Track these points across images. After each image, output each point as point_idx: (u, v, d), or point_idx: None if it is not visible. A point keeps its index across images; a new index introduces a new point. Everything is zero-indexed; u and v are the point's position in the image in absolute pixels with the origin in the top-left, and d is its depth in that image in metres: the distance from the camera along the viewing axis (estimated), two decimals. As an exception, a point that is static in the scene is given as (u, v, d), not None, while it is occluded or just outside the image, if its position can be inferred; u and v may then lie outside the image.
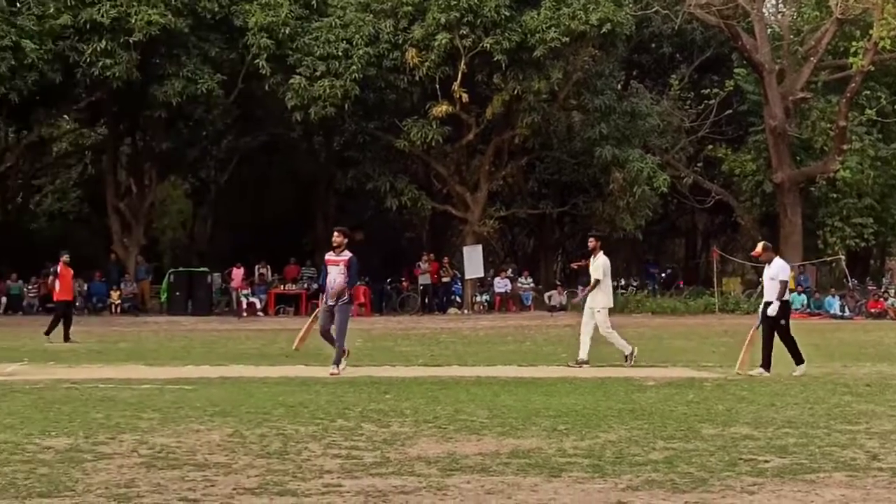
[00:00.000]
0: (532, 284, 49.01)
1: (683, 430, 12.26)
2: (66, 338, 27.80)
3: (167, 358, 22.92)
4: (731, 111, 51.11)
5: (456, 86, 41.98)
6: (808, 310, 44.73)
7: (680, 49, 53.81)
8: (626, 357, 20.74)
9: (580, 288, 47.89)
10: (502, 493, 8.87)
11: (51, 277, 29.63)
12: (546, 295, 47.28)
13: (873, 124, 48.76)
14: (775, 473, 9.77)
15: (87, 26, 39.67)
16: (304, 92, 41.13)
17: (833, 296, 46.27)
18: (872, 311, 45.03)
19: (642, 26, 49.02)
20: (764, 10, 51.35)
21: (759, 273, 24.76)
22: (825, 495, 8.94)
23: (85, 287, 45.77)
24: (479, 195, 46.54)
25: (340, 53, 41.34)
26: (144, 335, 30.04)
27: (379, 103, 46.99)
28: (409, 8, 42.07)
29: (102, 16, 39.20)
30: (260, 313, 43.70)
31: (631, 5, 44.02)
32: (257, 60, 41.64)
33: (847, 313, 44.92)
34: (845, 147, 46.63)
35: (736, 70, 50.67)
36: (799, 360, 19.11)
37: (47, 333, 27.85)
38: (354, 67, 41.10)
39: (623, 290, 48.27)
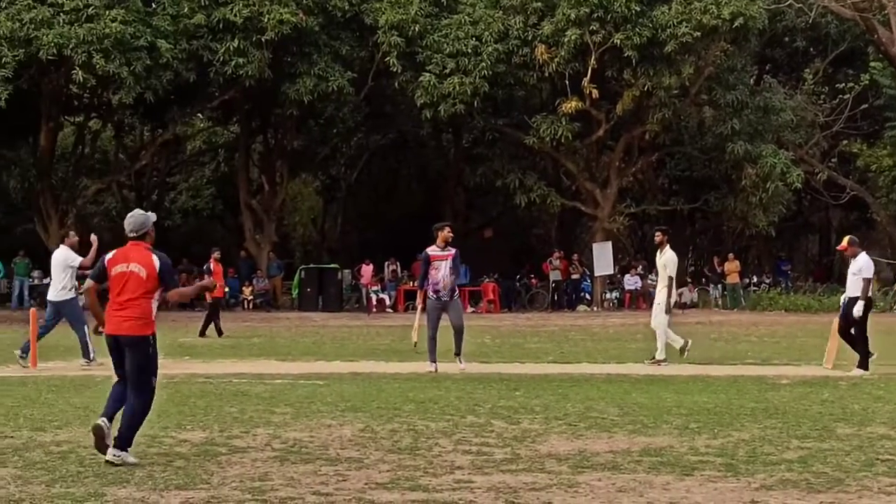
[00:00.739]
0: (662, 281, 48.55)
1: (818, 429, 12.07)
2: (204, 332, 28.15)
3: (299, 353, 23.15)
4: (866, 106, 50.13)
5: (586, 82, 41.77)
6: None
7: (814, 43, 52.93)
8: (655, 359, 20.33)
9: (710, 286, 47.66)
10: (634, 491, 8.81)
11: (204, 276, 29.93)
12: (677, 292, 46.83)
13: None
14: (914, 475, 9.57)
15: (221, 25, 40.21)
16: (433, 89, 41.25)
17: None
18: None
19: (775, 20, 48.28)
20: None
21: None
22: (966, 498, 8.73)
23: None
24: (608, 192, 46.29)
25: (470, 50, 41.38)
26: (276, 331, 30.39)
27: (508, 100, 46.99)
28: (539, 4, 41.95)
29: (235, 15, 39.70)
30: (389, 310, 43.94)
31: (764, -1, 43.45)
32: (387, 58, 41.86)
33: None
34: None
35: (872, 64, 49.71)
36: (864, 365, 18.61)
37: (220, 334, 28.24)
38: (484, 64, 41.11)
39: (755, 288, 47.71)
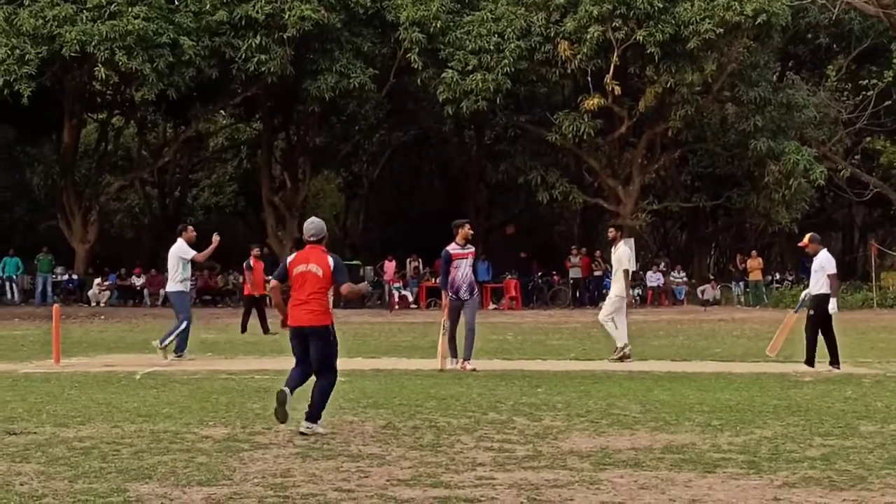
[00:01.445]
0: (685, 278, 48.56)
1: (841, 426, 12.03)
2: (266, 330, 28.17)
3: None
4: (889, 102, 49.82)
5: (608, 78, 41.70)
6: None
7: (837, 39, 52.71)
8: (617, 350, 20.19)
9: (733, 283, 47.55)
10: (656, 489, 8.80)
11: (246, 273, 29.94)
12: (699, 289, 46.81)
13: None
14: (938, 473, 9.53)
15: (243, 22, 40.30)
16: (455, 86, 41.23)
17: None
18: None
19: (798, 16, 48.12)
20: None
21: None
22: None
23: (240, 280, 46.57)
24: (631, 188, 46.22)
25: (492, 47, 41.35)
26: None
27: (530, 96, 47.02)
28: (561, 1, 41.88)
29: (257, 12, 39.76)
30: (413, 306, 43.97)
31: (787, -5, 43.29)
32: (409, 55, 41.86)
33: None
34: None
35: (895, 61, 49.49)
36: (811, 362, 18.55)
37: (243, 331, 28.31)
38: (506, 61, 41.08)
39: (778, 285, 47.58)
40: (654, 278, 47.01)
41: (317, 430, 11.53)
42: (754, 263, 45.95)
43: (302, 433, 11.44)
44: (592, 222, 55.84)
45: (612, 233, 21.16)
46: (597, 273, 46.24)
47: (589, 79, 42.26)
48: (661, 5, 40.62)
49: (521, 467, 9.66)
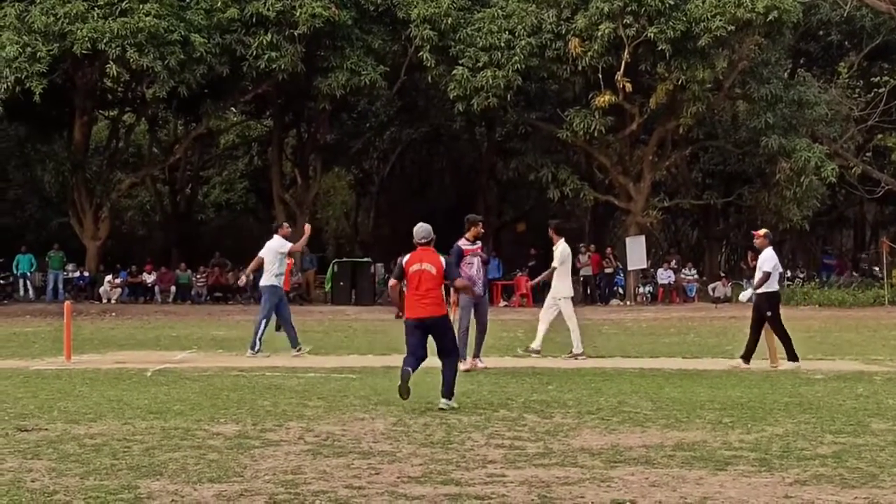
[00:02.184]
0: (696, 276, 48.50)
1: (852, 424, 12.02)
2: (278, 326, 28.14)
3: (331, 347, 23.20)
4: (901, 99, 49.85)
5: (619, 75, 41.63)
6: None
7: (849, 36, 52.57)
8: (575, 355, 20.03)
9: (745, 281, 47.47)
10: (667, 486, 8.79)
11: None
12: (710, 286, 46.74)
13: None
14: (950, 470, 9.51)
15: (254, 20, 40.30)
16: (466, 83, 41.20)
17: None
18: None
19: (810, 13, 48.00)
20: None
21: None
22: None
23: (251, 277, 46.59)
24: (642, 185, 46.17)
25: (503, 44, 41.31)
26: (309, 325, 30.40)
27: (541, 93, 46.98)
28: (572, -3, 41.93)
29: (268, 9, 39.76)
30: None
31: (798, -8, 43.19)
32: (420, 52, 41.84)
33: None
34: None
35: (906, 57, 49.49)
36: (793, 356, 18.62)
37: (277, 329, 28.31)
38: (517, 58, 41.03)
39: (789, 282, 47.51)
40: (665, 275, 46.95)
41: (452, 405, 13.29)
42: (766, 261, 45.80)
43: (441, 409, 13.11)
44: (603, 219, 55.82)
45: (551, 231, 20.85)
46: (608, 270, 46.21)
47: (600, 76, 42.18)
48: (672, 2, 40.53)
49: (531, 464, 9.66)
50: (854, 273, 52.16)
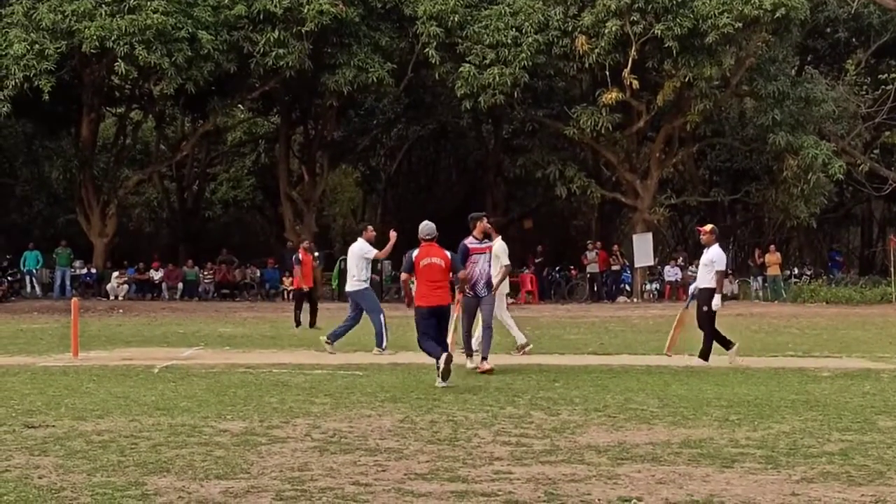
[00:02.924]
0: (702, 273, 48.35)
1: (859, 421, 12.01)
2: (313, 323, 28.17)
3: (338, 344, 23.19)
4: (909, 96, 49.78)
5: (626, 72, 41.61)
6: None
7: (856, 33, 52.50)
8: (520, 347, 19.99)
9: (751, 278, 47.43)
10: (674, 483, 8.79)
11: (294, 266, 29.87)
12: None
13: None
14: (957, 468, 9.50)
15: (261, 16, 40.32)
16: (473, 80, 41.20)
17: None
18: None
19: (817, 10, 47.97)
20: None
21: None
22: None
23: (258, 273, 46.72)
24: (649, 183, 46.15)
25: (510, 41, 41.30)
26: (315, 321, 30.39)
27: (548, 91, 46.98)
28: (579, -5, 41.93)
29: (275, 6, 39.77)
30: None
31: (806, -11, 43.13)
32: (427, 49, 41.85)
33: None
34: None
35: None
36: (706, 355, 18.73)
37: (297, 325, 28.27)
38: (524, 55, 41.02)
39: (797, 280, 47.46)
40: (671, 273, 46.90)
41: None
42: (772, 258, 45.82)
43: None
44: (610, 216, 55.80)
45: (487, 228, 20.49)
46: (614, 267, 46.21)
47: (607, 73, 42.19)
48: (679, -1, 40.60)
49: (538, 462, 9.66)
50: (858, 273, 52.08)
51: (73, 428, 11.35)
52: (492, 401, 13.53)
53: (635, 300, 44.68)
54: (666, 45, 40.92)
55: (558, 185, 45.58)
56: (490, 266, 17.75)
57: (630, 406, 13.12)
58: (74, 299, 21.96)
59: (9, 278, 43.63)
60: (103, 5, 38.45)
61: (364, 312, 21.06)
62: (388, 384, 15.24)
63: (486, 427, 11.51)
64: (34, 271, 45.05)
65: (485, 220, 17.87)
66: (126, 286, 44.09)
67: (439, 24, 41.46)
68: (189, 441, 10.58)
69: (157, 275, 45.47)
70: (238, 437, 10.81)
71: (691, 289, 20.17)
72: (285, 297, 44.35)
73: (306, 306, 28.69)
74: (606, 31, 40.69)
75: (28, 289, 44.85)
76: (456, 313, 17.87)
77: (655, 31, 40.66)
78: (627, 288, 46.34)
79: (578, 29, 41.55)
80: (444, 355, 15.10)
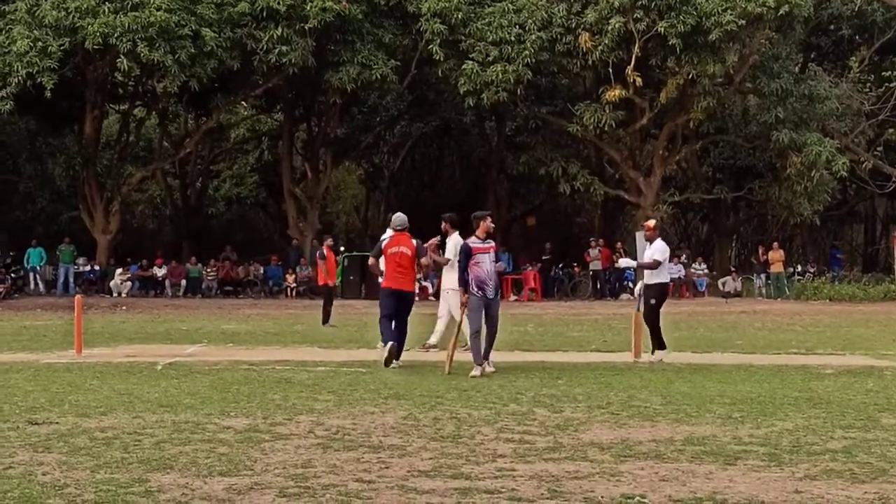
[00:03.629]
0: (706, 270, 48.44)
1: (863, 419, 11.99)
2: (325, 320, 28.17)
3: (341, 341, 23.24)
4: (912, 93, 49.70)
5: (629, 69, 41.61)
6: None
7: (860, 31, 52.46)
8: (427, 346, 19.96)
9: (754, 275, 47.40)
10: (677, 480, 8.79)
11: (319, 263, 29.80)
12: (720, 281, 46.67)
13: None
14: (960, 465, 9.49)
15: (264, 14, 40.33)
16: (476, 77, 41.20)
17: None
18: None
19: (821, 8, 47.95)
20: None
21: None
22: None
23: (261, 270, 46.72)
24: (652, 180, 46.15)
25: (513, 38, 41.30)
26: (319, 318, 30.44)
27: (551, 88, 46.97)
28: (583, -9, 41.91)
29: (279, 3, 39.77)
30: (432, 297, 43.91)
31: (809, -14, 43.09)
32: (430, 46, 41.86)
33: None
34: None
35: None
36: (660, 345, 18.69)
37: (325, 322, 28.22)
38: (527, 52, 41.02)
39: (800, 277, 47.45)
40: (675, 270, 46.82)
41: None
42: (776, 255, 45.80)
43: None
44: (613, 214, 55.79)
45: (444, 225, 20.24)
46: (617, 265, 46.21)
47: (610, 70, 42.19)
48: (682, -4, 40.57)
49: (541, 459, 9.66)
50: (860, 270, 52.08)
51: (77, 425, 11.36)
52: (495, 398, 13.53)
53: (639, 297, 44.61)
54: (669, 43, 40.90)
55: (561, 182, 45.59)
56: (493, 265, 16.95)
57: (633, 403, 13.12)
58: (78, 296, 21.96)
59: (12, 275, 43.67)
60: (106, 2, 38.45)
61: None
62: (392, 381, 15.24)
63: (489, 424, 11.50)
64: (38, 268, 45.06)
65: (489, 219, 17.18)
66: (129, 283, 44.11)
67: (443, 21, 41.47)
68: (192, 438, 10.59)
69: (160, 272, 45.49)
70: (241, 434, 10.81)
71: (637, 288, 20.09)
72: (288, 293, 44.40)
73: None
74: (610, 28, 40.69)
75: (31, 286, 44.86)
76: (450, 349, 17.22)
77: (659, 29, 40.64)
78: (630, 285, 46.28)
79: (582, 26, 41.55)
80: (389, 344, 16.99)
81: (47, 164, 51.80)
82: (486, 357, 16.82)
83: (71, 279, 44.44)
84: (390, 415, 12.14)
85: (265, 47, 40.33)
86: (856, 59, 50.81)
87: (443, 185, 59.64)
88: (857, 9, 47.91)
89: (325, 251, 29.20)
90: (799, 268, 49.91)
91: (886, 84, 48.70)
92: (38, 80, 37.87)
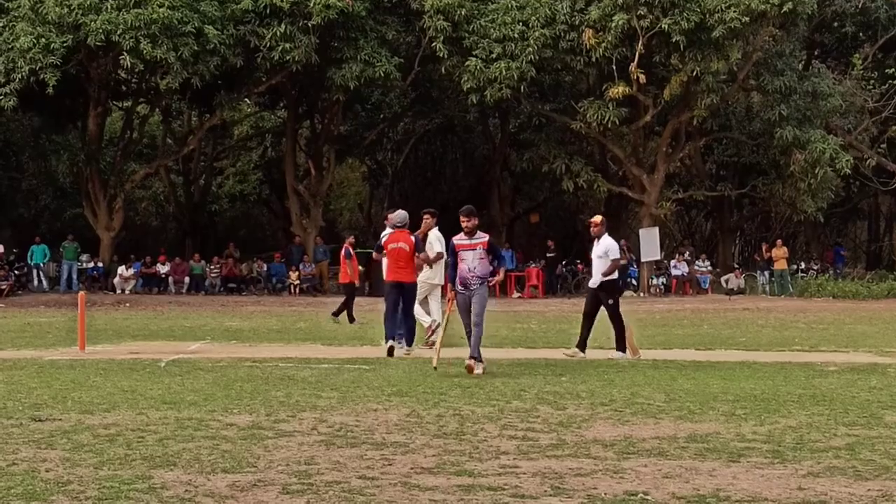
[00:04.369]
0: (709, 267, 48.44)
1: (866, 416, 11.98)
2: (338, 314, 28.20)
3: (345, 338, 23.23)
4: (916, 91, 49.67)
5: (633, 66, 41.60)
6: None
7: (863, 28, 52.42)
8: (429, 342, 19.78)
9: (758, 272, 47.40)
10: (680, 478, 8.78)
11: (345, 261, 29.77)
12: (723, 278, 46.68)
13: None
14: (964, 463, 9.48)
15: (268, 11, 40.31)
16: (480, 74, 41.20)
17: None
18: None
19: (824, 5, 47.91)
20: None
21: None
22: None
23: (265, 267, 46.73)
24: (655, 177, 46.15)
25: (516, 35, 41.30)
26: (322, 315, 30.42)
27: (555, 85, 46.99)
28: (586, -11, 41.88)
29: (282, 0, 39.76)
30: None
31: (813, -17, 43.06)
32: (434, 43, 41.86)
33: None
34: None
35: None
36: (621, 346, 18.75)
37: (351, 321, 28.24)
38: (530, 49, 41.02)
39: (803, 274, 47.44)
40: (678, 267, 46.91)
41: (407, 349, 18.82)
42: (779, 252, 45.80)
43: (405, 352, 18.45)
44: (617, 211, 55.75)
45: (427, 220, 20.22)
46: (621, 262, 46.13)
47: (614, 67, 42.18)
48: (686, -7, 40.55)
49: (544, 456, 9.65)
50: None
51: (80, 421, 11.36)
52: (498, 395, 13.52)
53: (642, 294, 44.66)
54: (673, 40, 40.90)
55: (565, 179, 45.61)
56: (485, 261, 16.61)
57: (636, 400, 13.11)
58: (81, 293, 21.97)
59: (16, 272, 43.69)
60: (109, -1, 38.50)
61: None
62: (395, 378, 15.23)
63: (492, 421, 11.50)
64: (41, 265, 45.05)
65: (473, 217, 16.63)
66: (132, 280, 44.13)
67: (446, 18, 41.45)
68: (196, 435, 10.58)
69: (163, 269, 45.50)
70: (244, 431, 10.80)
71: (590, 284, 20.12)
72: (291, 290, 44.39)
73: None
74: (613, 25, 40.67)
75: (35, 283, 44.85)
76: (448, 312, 17.20)
77: (662, 26, 40.64)
78: (634, 282, 46.31)
79: (585, 23, 41.53)
80: (388, 343, 18.45)
81: (51, 161, 51.84)
82: (473, 355, 16.26)
83: (74, 276, 44.46)
84: (393, 412, 12.13)
85: (268, 44, 40.33)
86: (859, 56, 50.76)
87: (446, 183, 59.66)
88: (860, 6, 47.89)
89: (349, 249, 29.23)
90: (802, 265, 49.90)
91: (890, 81, 48.67)
92: (42, 76, 37.92)
